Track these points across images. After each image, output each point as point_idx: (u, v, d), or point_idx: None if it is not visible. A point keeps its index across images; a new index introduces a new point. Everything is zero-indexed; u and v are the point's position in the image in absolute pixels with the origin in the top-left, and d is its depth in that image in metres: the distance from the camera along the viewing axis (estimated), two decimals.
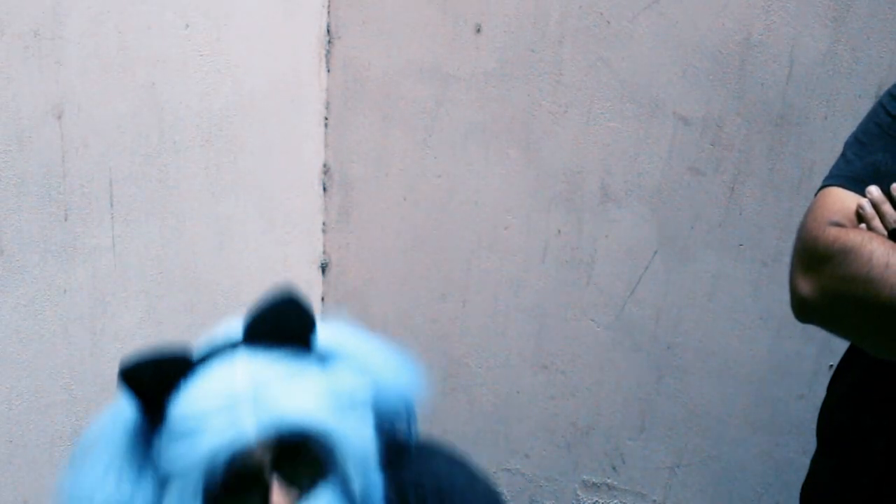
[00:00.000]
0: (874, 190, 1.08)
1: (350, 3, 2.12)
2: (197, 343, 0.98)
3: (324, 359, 0.98)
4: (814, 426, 1.93)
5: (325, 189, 2.27)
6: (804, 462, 1.93)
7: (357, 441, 0.95)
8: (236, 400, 0.89)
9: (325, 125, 2.22)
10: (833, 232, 1.07)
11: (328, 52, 2.17)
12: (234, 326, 0.97)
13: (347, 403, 0.96)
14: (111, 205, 1.60)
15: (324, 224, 2.30)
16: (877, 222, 1.07)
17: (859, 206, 1.08)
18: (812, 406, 1.90)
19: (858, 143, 1.16)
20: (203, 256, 1.84)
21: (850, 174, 1.13)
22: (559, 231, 2.04)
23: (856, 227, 1.08)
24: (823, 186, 1.16)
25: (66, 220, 1.52)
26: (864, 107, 1.72)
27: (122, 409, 0.96)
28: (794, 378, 1.91)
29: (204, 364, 0.93)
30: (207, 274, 1.85)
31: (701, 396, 2.01)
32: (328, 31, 2.16)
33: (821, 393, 1.88)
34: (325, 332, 1.00)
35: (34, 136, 1.43)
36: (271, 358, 0.93)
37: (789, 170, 1.81)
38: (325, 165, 2.25)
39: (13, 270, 1.45)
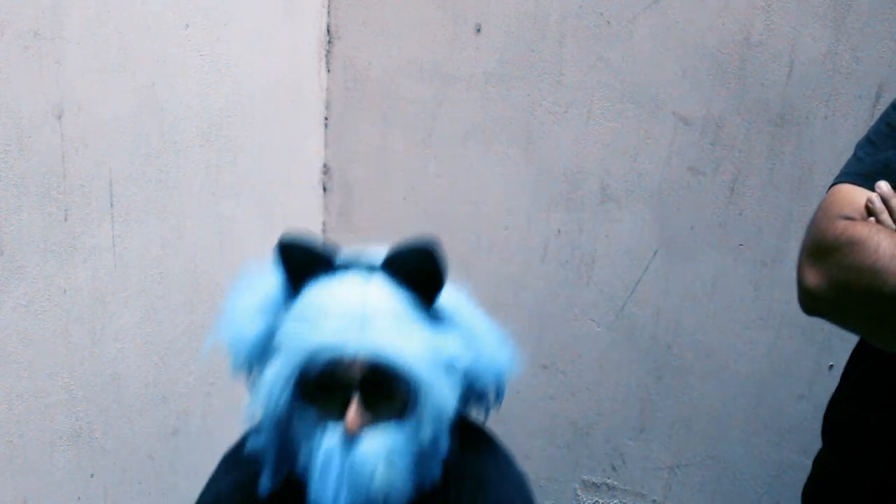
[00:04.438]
0: (883, 185, 1.11)
1: (350, 3, 2.12)
2: (344, 250, 1.12)
3: (440, 317, 1.08)
4: (814, 426, 1.93)
5: (325, 189, 2.27)
6: (804, 462, 1.94)
7: (440, 401, 1.04)
8: (354, 315, 1.00)
9: (325, 125, 2.22)
10: (841, 224, 1.08)
11: (328, 52, 2.17)
12: (379, 252, 1.09)
13: (444, 366, 1.05)
14: (111, 205, 1.60)
15: (324, 224, 2.30)
16: (885, 216, 1.09)
17: (869, 201, 1.10)
18: (812, 406, 1.90)
19: (870, 142, 1.18)
20: (203, 256, 1.84)
21: (860, 171, 1.16)
22: (559, 231, 2.04)
23: (865, 220, 1.09)
24: (834, 183, 1.18)
25: (66, 220, 1.52)
26: (864, 107, 1.72)
27: (275, 269, 1.10)
28: (794, 378, 1.91)
29: (344, 270, 1.06)
30: (207, 274, 1.85)
31: (701, 396, 2.01)
32: (328, 31, 2.16)
33: (821, 393, 1.88)
34: (448, 293, 1.11)
35: (34, 136, 1.43)
36: (398, 294, 1.03)
37: (789, 170, 1.81)
38: (325, 166, 2.25)
39: (13, 270, 1.44)
